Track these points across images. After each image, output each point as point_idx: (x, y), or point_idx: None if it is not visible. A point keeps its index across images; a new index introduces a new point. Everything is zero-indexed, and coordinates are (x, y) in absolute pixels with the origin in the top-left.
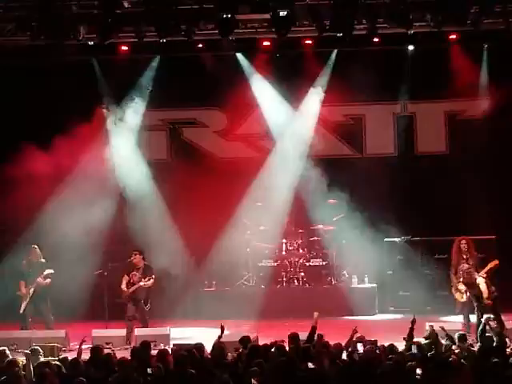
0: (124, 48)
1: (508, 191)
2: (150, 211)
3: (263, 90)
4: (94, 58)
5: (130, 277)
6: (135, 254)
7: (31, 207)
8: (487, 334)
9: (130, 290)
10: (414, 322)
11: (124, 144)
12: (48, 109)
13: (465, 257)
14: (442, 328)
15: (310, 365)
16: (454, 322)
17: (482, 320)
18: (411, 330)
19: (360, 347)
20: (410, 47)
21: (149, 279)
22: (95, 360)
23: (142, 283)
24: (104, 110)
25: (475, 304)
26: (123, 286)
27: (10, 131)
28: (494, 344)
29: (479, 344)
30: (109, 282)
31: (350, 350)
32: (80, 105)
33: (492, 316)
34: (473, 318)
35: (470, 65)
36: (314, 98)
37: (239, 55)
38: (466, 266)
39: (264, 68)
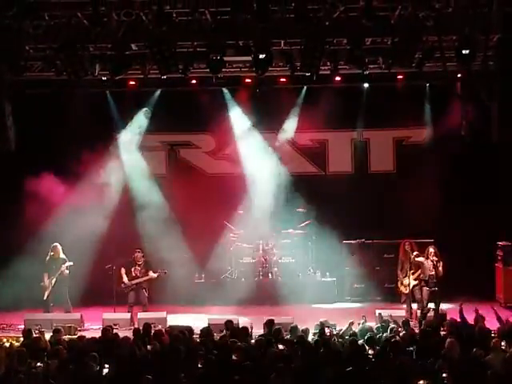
0: (132, 83)
1: (443, 203)
2: (152, 217)
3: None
4: (107, 91)
5: (131, 270)
6: (137, 252)
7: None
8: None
9: (134, 281)
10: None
11: (132, 162)
12: (69, 132)
13: (410, 255)
14: (390, 316)
15: (281, 346)
16: (399, 310)
17: (426, 309)
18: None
19: (327, 331)
20: (366, 85)
21: (158, 274)
22: (105, 338)
23: (154, 275)
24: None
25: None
26: (124, 278)
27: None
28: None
29: (421, 327)
30: (116, 275)
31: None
32: (96, 129)
33: (431, 307)
34: (414, 307)
35: (413, 100)
36: (287, 126)
37: (225, 90)
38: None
39: (245, 100)
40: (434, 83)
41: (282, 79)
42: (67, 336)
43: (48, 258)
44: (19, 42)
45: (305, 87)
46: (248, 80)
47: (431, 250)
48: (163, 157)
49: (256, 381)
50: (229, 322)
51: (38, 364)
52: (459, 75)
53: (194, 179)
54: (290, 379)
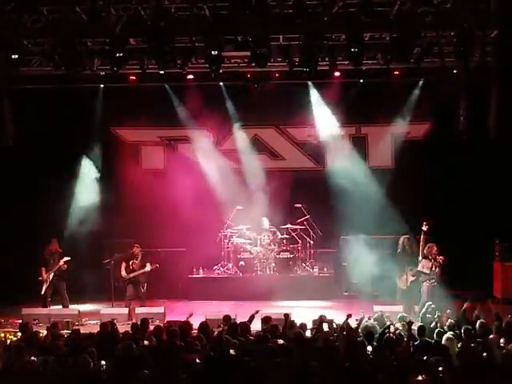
0: (132, 78)
1: (442, 199)
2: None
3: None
4: (100, 86)
5: (129, 264)
6: (136, 247)
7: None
8: (427, 316)
9: (131, 275)
10: (350, 316)
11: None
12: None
13: (408, 251)
14: (385, 312)
15: (280, 341)
16: (397, 305)
17: (426, 305)
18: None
19: (325, 326)
20: (363, 80)
21: (152, 265)
22: (103, 333)
23: (147, 268)
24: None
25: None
26: (123, 272)
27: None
28: (432, 324)
29: (419, 323)
30: (114, 269)
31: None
32: (94, 124)
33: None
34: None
35: (412, 95)
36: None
37: (223, 85)
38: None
39: (244, 95)
40: (433, 79)
41: (276, 74)
42: (65, 331)
43: (46, 252)
44: (18, 36)
45: (309, 83)
46: (246, 75)
47: (435, 248)
48: (161, 151)
49: (254, 376)
50: (227, 317)
51: (36, 359)
52: (457, 71)
53: (192, 174)
54: (287, 375)
